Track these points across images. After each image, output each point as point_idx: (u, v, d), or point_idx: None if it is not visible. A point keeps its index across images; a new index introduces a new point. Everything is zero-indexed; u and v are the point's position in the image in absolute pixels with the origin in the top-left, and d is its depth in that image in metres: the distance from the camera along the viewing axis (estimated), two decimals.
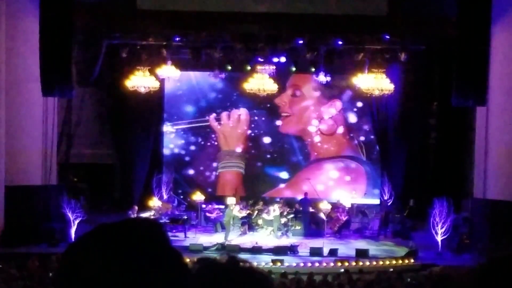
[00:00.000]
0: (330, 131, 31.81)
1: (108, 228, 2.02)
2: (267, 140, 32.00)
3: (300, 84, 31.67)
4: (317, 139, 31.90)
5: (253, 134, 32.08)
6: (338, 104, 31.61)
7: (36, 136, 25.39)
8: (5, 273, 17.51)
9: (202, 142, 32.23)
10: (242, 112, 31.92)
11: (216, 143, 32.18)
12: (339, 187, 31.41)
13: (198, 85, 31.90)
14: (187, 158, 32.29)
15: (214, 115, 31.92)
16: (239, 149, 32.11)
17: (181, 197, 30.38)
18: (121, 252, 1.94)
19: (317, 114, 31.79)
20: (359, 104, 31.16)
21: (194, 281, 2.12)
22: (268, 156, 32.11)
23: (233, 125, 31.99)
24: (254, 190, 31.48)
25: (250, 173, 32.09)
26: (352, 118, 31.71)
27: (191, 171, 32.25)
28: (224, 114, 31.95)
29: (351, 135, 31.74)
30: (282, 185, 31.93)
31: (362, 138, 31.62)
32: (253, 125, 32.06)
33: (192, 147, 32.28)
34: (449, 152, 29.72)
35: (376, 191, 31.00)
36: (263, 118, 31.92)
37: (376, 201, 30.21)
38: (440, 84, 29.26)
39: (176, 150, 32.28)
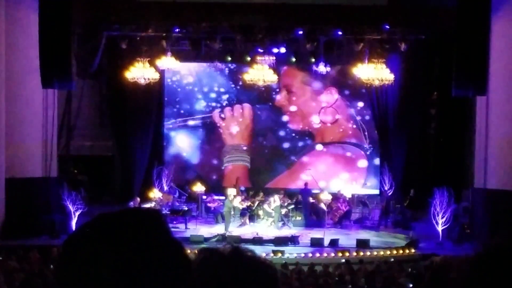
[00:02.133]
0: (332, 119, 31.79)
1: (108, 218, 2.01)
2: (271, 133, 32.00)
3: (290, 80, 31.64)
4: (321, 128, 31.88)
5: (256, 128, 32.08)
6: (334, 91, 31.62)
7: (36, 128, 25.38)
8: (5, 265, 17.51)
9: (204, 133, 32.25)
10: (245, 107, 31.95)
11: (219, 136, 32.21)
12: (340, 174, 31.45)
13: (198, 76, 31.91)
14: (188, 149, 32.29)
15: (217, 110, 31.94)
16: (243, 143, 32.13)
17: (182, 188, 30.36)
18: (121, 242, 1.94)
19: (316, 105, 31.81)
20: (359, 94, 31.15)
21: (198, 271, 2.11)
22: (272, 148, 32.10)
23: (236, 120, 32.02)
24: (258, 182, 31.50)
25: (255, 166, 32.11)
26: (352, 107, 31.69)
27: (191, 162, 32.27)
28: (227, 110, 31.97)
29: (352, 121, 31.67)
30: (284, 174, 31.92)
31: (363, 130, 31.56)
32: (257, 119, 32.05)
33: (194, 138, 32.30)
34: (449, 142, 29.73)
35: (372, 176, 31.16)
36: (267, 112, 31.91)
37: (377, 191, 30.24)
38: (440, 74, 29.25)
39: (177, 141, 32.29)
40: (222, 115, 32.03)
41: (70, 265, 1.95)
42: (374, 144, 31.50)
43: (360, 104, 31.48)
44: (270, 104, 31.79)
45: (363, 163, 31.73)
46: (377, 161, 31.25)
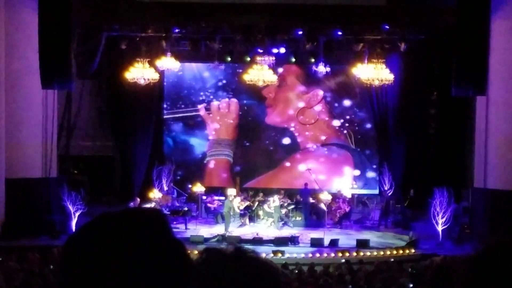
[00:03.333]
0: (311, 120, 31.81)
1: (109, 218, 2.01)
2: (256, 129, 32.05)
3: (286, 74, 31.69)
4: (302, 128, 31.93)
5: (243, 124, 32.16)
6: (320, 93, 31.66)
7: (36, 129, 25.38)
8: (5, 266, 17.51)
9: (201, 133, 32.32)
10: (232, 102, 32.03)
11: (205, 135, 32.36)
12: (327, 174, 31.49)
13: (198, 77, 31.95)
14: (187, 149, 32.34)
15: (204, 104, 32.04)
16: (228, 138, 32.20)
17: (182, 188, 30.38)
18: (122, 242, 1.94)
19: (299, 104, 31.88)
20: (359, 94, 31.17)
21: (201, 271, 2.11)
22: (257, 145, 32.16)
23: (222, 115, 32.08)
24: (241, 179, 31.54)
25: (237, 162, 32.20)
26: (345, 107, 31.72)
27: (190, 162, 32.31)
28: (214, 104, 32.05)
29: (340, 124, 31.72)
30: (268, 174, 31.96)
31: (363, 130, 31.62)
32: (244, 115, 32.11)
33: (192, 138, 32.36)
34: (449, 142, 29.71)
35: (370, 177, 31.21)
36: (254, 108, 31.98)
37: (376, 191, 30.24)
38: (440, 73, 29.20)
39: (176, 141, 32.34)
40: (209, 109, 32.10)
41: (72, 265, 1.95)
42: (374, 144, 31.53)
43: (360, 104, 31.48)
44: (261, 100, 31.83)
45: (349, 159, 31.75)
46: (374, 160, 31.25)
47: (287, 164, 31.97)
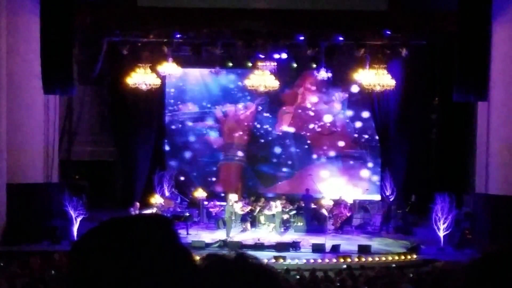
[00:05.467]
0: (329, 130, 31.87)
1: (116, 224, 2.02)
2: (270, 135, 32.06)
3: (305, 83, 31.72)
4: (317, 137, 31.93)
5: (256, 129, 32.16)
6: (338, 105, 31.70)
7: (37, 134, 25.39)
8: (7, 271, 17.51)
9: (204, 138, 32.34)
10: (249, 106, 32.04)
11: (218, 137, 32.31)
12: (340, 184, 31.45)
13: (200, 82, 31.99)
14: (188, 154, 32.35)
15: (220, 106, 32.05)
16: (242, 142, 32.20)
17: (183, 194, 30.39)
18: (129, 248, 1.95)
19: (317, 113, 31.88)
20: (360, 100, 31.18)
21: (203, 277, 2.12)
22: (270, 152, 32.16)
23: (238, 118, 32.09)
24: (254, 185, 31.59)
25: (251, 168, 32.18)
26: (354, 114, 31.74)
27: (192, 167, 32.31)
28: (230, 106, 32.06)
29: (353, 133, 31.75)
30: (282, 182, 31.98)
31: (365, 136, 31.66)
32: (257, 121, 32.15)
33: (194, 143, 32.38)
34: (450, 147, 29.71)
35: (373, 186, 31.21)
36: (267, 114, 31.99)
37: (378, 197, 30.22)
38: (441, 79, 29.23)
39: (178, 147, 32.36)
40: (225, 112, 32.13)
41: (78, 271, 1.96)
42: (376, 150, 31.52)
43: (361, 110, 31.52)
44: (273, 104, 31.82)
45: (363, 170, 31.79)
46: (378, 167, 31.26)
47: (302, 172, 31.92)
